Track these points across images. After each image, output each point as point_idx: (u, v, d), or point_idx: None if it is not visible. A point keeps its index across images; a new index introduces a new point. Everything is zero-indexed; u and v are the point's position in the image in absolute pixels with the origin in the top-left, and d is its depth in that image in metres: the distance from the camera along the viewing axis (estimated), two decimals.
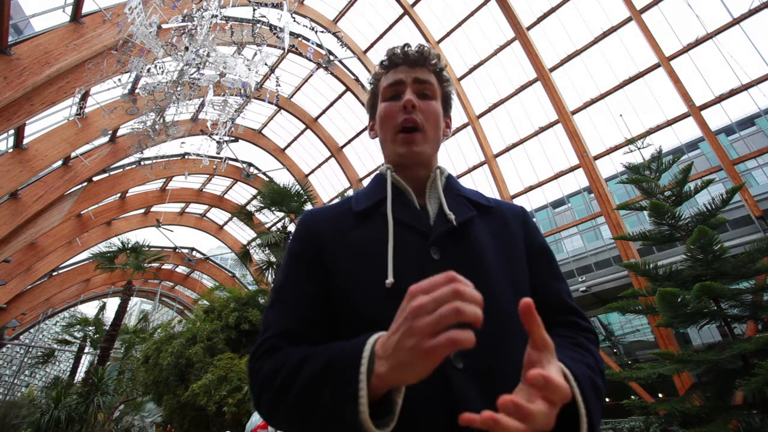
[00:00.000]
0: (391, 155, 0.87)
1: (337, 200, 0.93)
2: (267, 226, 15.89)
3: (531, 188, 11.94)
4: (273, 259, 12.19)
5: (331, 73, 13.65)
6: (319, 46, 12.44)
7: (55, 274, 16.51)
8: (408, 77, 0.85)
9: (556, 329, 0.75)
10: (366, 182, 0.96)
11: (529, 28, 11.35)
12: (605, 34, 10.41)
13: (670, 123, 9.55)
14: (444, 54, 13.10)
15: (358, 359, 0.53)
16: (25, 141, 9.38)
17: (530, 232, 0.86)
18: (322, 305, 0.74)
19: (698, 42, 9.14)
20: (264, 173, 17.68)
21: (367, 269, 0.72)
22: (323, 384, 0.55)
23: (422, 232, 0.76)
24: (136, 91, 8.94)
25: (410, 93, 0.84)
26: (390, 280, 0.68)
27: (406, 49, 0.88)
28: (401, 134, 0.83)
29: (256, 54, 8.04)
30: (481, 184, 12.85)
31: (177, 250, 20.53)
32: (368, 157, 15.73)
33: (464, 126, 13.09)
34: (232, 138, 11.64)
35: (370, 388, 0.51)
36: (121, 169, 13.62)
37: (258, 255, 14.92)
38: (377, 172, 0.93)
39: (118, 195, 14.97)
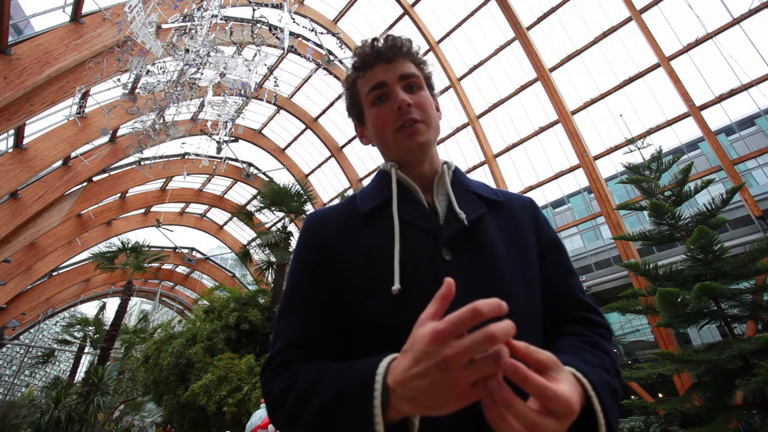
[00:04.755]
0: (394, 153, 0.84)
1: (337, 200, 0.90)
2: (267, 226, 15.89)
3: (531, 188, 11.94)
4: (273, 259, 12.20)
5: (331, 74, 13.65)
6: (319, 46, 12.44)
7: (55, 274, 16.51)
8: (391, 77, 0.82)
9: (569, 327, 0.74)
10: (366, 182, 0.92)
11: (529, 28, 11.35)
12: (605, 34, 10.41)
13: (670, 123, 9.54)
14: (444, 54, 13.10)
15: (370, 397, 0.50)
16: (25, 141, 9.38)
17: (541, 226, 0.84)
18: (332, 313, 0.71)
19: (698, 42, 9.14)
20: (264, 173, 17.68)
21: (377, 274, 0.70)
22: (335, 418, 0.54)
23: (432, 233, 0.73)
24: (136, 90, 8.95)
25: (401, 92, 0.81)
26: (396, 287, 0.66)
27: (376, 45, 0.84)
28: (403, 129, 0.80)
29: (256, 54, 8.05)
30: None
31: (177, 250, 20.53)
32: (368, 157, 15.74)
33: (464, 126, 13.09)
34: (232, 138, 11.64)
35: (385, 420, 0.49)
36: (121, 169, 13.63)
37: (258, 255, 14.94)
38: (379, 168, 0.89)
39: (118, 195, 14.98)
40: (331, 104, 15.18)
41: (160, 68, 7.38)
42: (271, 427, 5.64)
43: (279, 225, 13.95)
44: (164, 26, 8.16)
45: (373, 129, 0.86)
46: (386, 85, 0.82)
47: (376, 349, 0.64)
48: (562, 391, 0.45)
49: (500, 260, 0.72)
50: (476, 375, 0.42)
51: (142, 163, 13.36)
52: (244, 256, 14.76)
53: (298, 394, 0.59)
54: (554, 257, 0.81)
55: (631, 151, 6.93)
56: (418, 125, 0.80)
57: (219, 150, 9.61)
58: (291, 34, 9.28)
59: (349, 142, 15.73)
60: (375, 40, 0.85)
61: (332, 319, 0.71)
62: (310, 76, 14.23)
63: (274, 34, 9.09)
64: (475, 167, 12.93)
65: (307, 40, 12.36)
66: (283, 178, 15.88)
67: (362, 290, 0.70)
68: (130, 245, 15.16)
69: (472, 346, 0.42)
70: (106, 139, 11.50)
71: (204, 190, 18.04)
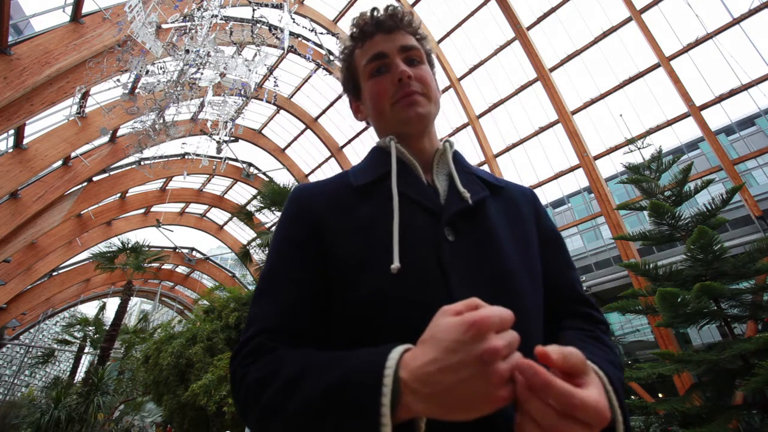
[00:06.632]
0: (392, 126, 0.78)
1: None
2: (267, 226, 15.89)
3: (531, 188, 11.94)
4: None
5: (331, 74, 13.65)
6: (319, 46, 12.44)
7: (55, 274, 16.51)
8: (391, 48, 0.77)
9: (570, 321, 0.72)
10: None
11: (529, 28, 11.34)
12: (605, 34, 10.40)
13: (670, 123, 9.54)
14: (444, 54, 13.10)
15: (377, 392, 0.42)
16: (25, 141, 9.38)
17: (541, 217, 0.81)
18: (318, 294, 0.64)
19: (698, 42, 9.14)
20: (264, 173, 17.68)
21: (371, 251, 0.63)
22: (327, 415, 0.46)
23: (434, 211, 0.68)
24: (136, 90, 8.95)
25: (401, 64, 0.76)
26: (396, 265, 0.59)
27: (376, 15, 0.79)
28: (402, 100, 0.75)
29: (256, 54, 8.05)
30: None
31: (177, 250, 20.53)
32: None
33: (464, 126, 13.09)
34: (232, 138, 11.64)
35: (393, 421, 0.42)
36: (121, 169, 13.63)
37: (258, 255, 14.92)
38: (375, 145, 0.83)
39: (118, 195, 14.97)
40: (331, 104, 15.18)
41: (160, 68, 7.38)
42: None
43: None
44: (164, 26, 8.15)
45: (370, 102, 0.80)
46: (386, 56, 0.77)
47: (368, 334, 0.59)
48: (592, 399, 0.40)
49: (503, 245, 0.67)
50: (510, 371, 0.39)
51: (142, 163, 13.35)
52: (244, 256, 14.76)
53: (280, 384, 0.51)
54: (555, 250, 0.78)
55: (631, 151, 6.93)
56: (418, 96, 0.75)
57: (219, 150, 9.61)
58: (291, 34, 9.28)
59: (349, 142, 15.73)
60: (374, 9, 0.80)
61: (318, 301, 0.64)
62: (310, 76, 14.23)
63: (274, 34, 9.09)
64: None
65: (307, 40, 12.36)
66: (283, 178, 15.87)
67: (354, 268, 0.63)
68: (130, 245, 15.17)
69: (513, 342, 0.40)
70: (106, 139, 11.50)
71: (204, 190, 18.03)
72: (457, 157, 0.80)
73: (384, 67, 0.78)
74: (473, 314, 0.41)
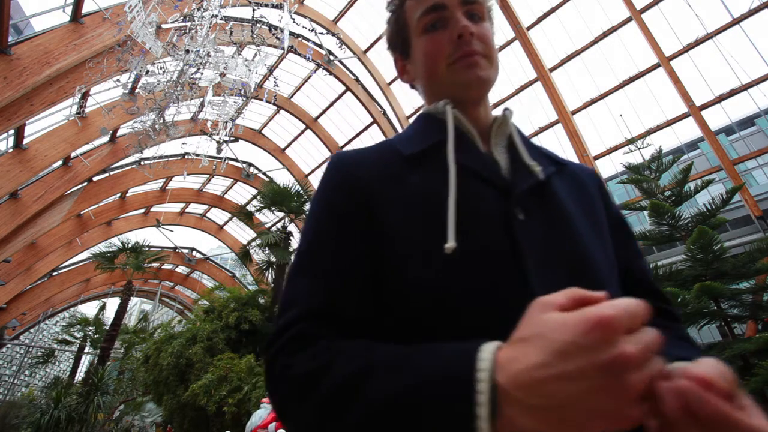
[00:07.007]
0: (446, 90, 0.69)
1: None
2: (267, 226, 15.90)
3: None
4: (273, 259, 12.21)
5: (331, 74, 13.65)
6: (319, 46, 12.44)
7: (55, 274, 16.51)
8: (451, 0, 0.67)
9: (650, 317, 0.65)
10: None
11: (529, 28, 11.35)
12: (605, 34, 10.40)
13: (670, 123, 9.54)
14: None
15: (470, 401, 0.34)
16: (25, 141, 9.38)
17: (607, 199, 0.72)
18: (367, 275, 0.55)
19: (698, 42, 9.14)
20: (264, 173, 17.68)
21: (427, 228, 0.55)
22: (405, 427, 0.38)
23: (497, 185, 0.59)
24: (136, 90, 8.96)
25: (463, 19, 0.66)
26: (451, 243, 0.51)
27: None
28: (460, 60, 0.65)
29: (256, 54, 8.05)
30: None
31: (177, 250, 20.54)
32: None
33: None
34: (232, 138, 11.65)
35: None
36: (121, 169, 13.63)
37: (258, 255, 14.94)
38: (422, 111, 0.74)
39: (118, 195, 14.98)
40: (331, 104, 15.18)
41: (160, 68, 7.39)
42: (271, 426, 5.63)
43: (279, 225, 13.96)
44: (164, 26, 8.16)
45: (423, 60, 0.70)
46: (444, 8, 0.67)
47: (426, 325, 0.52)
48: None
49: (578, 227, 0.59)
50: (648, 381, 0.31)
51: (142, 163, 13.36)
52: (244, 256, 14.77)
53: (340, 380, 0.43)
54: (624, 235, 0.70)
55: (631, 151, 6.93)
56: (479, 57, 0.66)
57: (219, 150, 9.63)
58: (291, 34, 9.28)
59: (349, 142, 15.73)
60: None
61: (366, 282, 0.55)
62: (310, 76, 14.22)
63: (274, 34, 9.09)
64: None
65: (307, 40, 12.36)
66: (283, 178, 15.88)
67: (404, 247, 0.56)
68: (130, 245, 15.19)
69: (651, 347, 0.32)
70: (106, 139, 11.50)
71: (204, 190, 18.04)
72: (518, 128, 0.72)
73: (440, 22, 0.67)
74: (597, 311, 0.32)
